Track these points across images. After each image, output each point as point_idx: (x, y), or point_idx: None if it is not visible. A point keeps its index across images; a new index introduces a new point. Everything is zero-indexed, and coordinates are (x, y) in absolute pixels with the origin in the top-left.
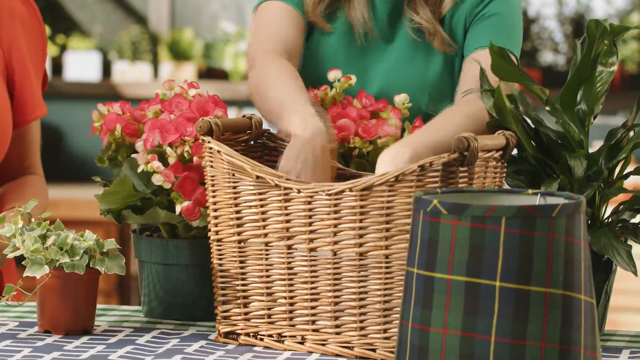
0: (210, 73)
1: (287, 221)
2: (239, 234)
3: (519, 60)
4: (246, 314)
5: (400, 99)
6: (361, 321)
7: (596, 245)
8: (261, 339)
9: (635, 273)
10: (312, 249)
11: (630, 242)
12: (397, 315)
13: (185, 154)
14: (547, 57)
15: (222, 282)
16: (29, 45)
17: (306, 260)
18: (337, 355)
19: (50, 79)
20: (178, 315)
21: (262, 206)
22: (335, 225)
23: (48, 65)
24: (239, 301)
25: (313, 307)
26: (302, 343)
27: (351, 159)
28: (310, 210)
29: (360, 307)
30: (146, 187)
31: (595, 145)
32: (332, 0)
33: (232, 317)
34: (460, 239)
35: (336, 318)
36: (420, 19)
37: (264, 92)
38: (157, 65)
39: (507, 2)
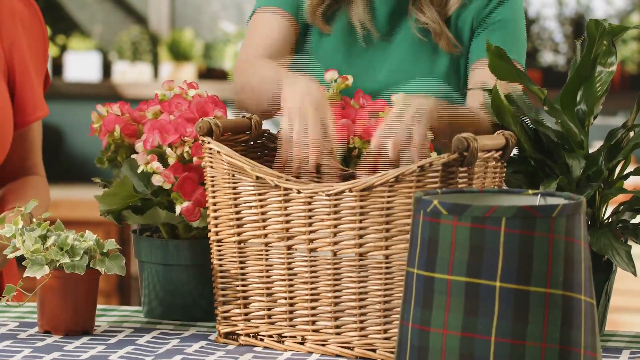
0: (211, 73)
1: (287, 221)
2: (239, 234)
3: (525, 68)
4: (246, 314)
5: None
6: (361, 321)
7: (596, 245)
8: (261, 340)
9: (634, 273)
10: (312, 250)
11: (630, 242)
12: (397, 316)
13: (185, 155)
14: (547, 57)
15: (222, 283)
16: (30, 45)
17: (306, 260)
18: (337, 355)
19: (51, 79)
20: (178, 315)
21: (262, 206)
22: (335, 226)
23: (48, 66)
24: (239, 302)
25: (313, 308)
26: (302, 343)
27: (351, 159)
28: (310, 210)
29: (361, 307)
30: (146, 188)
31: (595, 146)
32: (331, 1)
33: (232, 318)
34: (461, 240)
35: (336, 318)
36: (426, 19)
37: (251, 79)
38: (157, 65)
39: (513, 8)
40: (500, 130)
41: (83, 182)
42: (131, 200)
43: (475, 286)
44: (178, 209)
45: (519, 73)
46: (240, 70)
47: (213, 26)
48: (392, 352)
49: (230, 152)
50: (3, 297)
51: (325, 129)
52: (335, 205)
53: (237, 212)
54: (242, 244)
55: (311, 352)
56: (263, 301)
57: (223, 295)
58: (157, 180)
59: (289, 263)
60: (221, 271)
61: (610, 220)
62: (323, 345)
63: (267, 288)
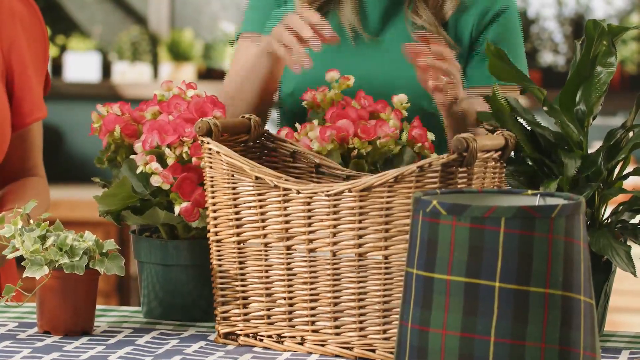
0: (210, 74)
1: (287, 222)
2: (238, 234)
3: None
4: (246, 314)
5: (399, 99)
6: (361, 322)
7: (595, 245)
8: (261, 340)
9: (634, 274)
10: (311, 250)
11: (629, 242)
12: (397, 316)
13: (184, 155)
14: (547, 57)
15: (222, 283)
16: (30, 46)
17: (305, 261)
18: (336, 356)
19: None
20: (177, 315)
21: (261, 207)
22: (335, 226)
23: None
24: (238, 302)
25: (312, 308)
26: (301, 344)
27: (350, 160)
28: (309, 211)
29: (360, 307)
30: (145, 188)
31: (594, 146)
32: (322, 3)
33: (232, 318)
34: (460, 240)
35: (336, 319)
36: (423, 22)
37: (238, 81)
38: (157, 65)
39: (511, 20)
40: (500, 131)
41: (82, 183)
42: (130, 201)
43: (474, 286)
44: (177, 209)
45: (519, 73)
46: (225, 93)
47: (213, 26)
48: (391, 353)
49: (229, 153)
50: (2, 297)
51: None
52: (335, 206)
53: (237, 213)
54: (242, 244)
55: (310, 353)
56: (262, 301)
57: (222, 296)
58: (156, 180)
59: (289, 263)
60: (220, 271)
61: (609, 220)
62: (322, 345)
63: (267, 288)
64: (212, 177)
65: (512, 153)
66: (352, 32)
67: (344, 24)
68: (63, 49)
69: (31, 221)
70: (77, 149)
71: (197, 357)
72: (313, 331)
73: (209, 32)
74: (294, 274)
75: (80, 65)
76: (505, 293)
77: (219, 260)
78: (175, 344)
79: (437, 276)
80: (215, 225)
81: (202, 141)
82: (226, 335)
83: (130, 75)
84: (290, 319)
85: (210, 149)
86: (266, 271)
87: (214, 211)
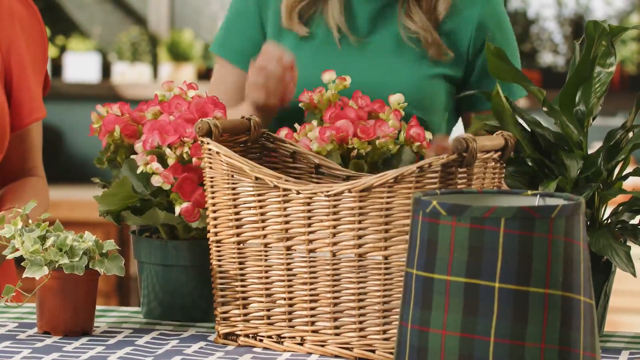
0: (210, 74)
1: (286, 222)
2: (238, 235)
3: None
4: (245, 315)
5: (396, 99)
6: (360, 322)
7: (595, 246)
8: (260, 340)
9: (634, 274)
10: (311, 250)
11: (629, 243)
12: (397, 316)
13: (185, 155)
14: (546, 58)
15: (222, 283)
16: (29, 47)
17: (305, 261)
18: (336, 356)
19: (50, 80)
20: (177, 316)
21: (261, 207)
22: (335, 227)
23: (48, 67)
24: (238, 302)
25: (312, 308)
26: (301, 344)
27: (349, 160)
28: (309, 211)
29: (360, 308)
30: (145, 188)
31: (594, 146)
32: (308, 4)
33: (232, 318)
34: (460, 240)
35: (335, 319)
36: (417, 29)
37: None
38: (156, 66)
39: (506, 34)
40: (500, 131)
41: (82, 183)
42: (130, 201)
43: (474, 287)
44: (177, 209)
45: (518, 74)
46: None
47: (212, 27)
48: (391, 353)
49: (229, 153)
50: (2, 297)
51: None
52: (335, 206)
53: (237, 213)
54: (242, 245)
55: (310, 353)
56: (262, 302)
57: (222, 296)
58: (156, 180)
59: (288, 264)
60: (220, 272)
61: (609, 221)
62: (322, 346)
63: (267, 289)
64: (212, 178)
65: (512, 154)
66: (339, 34)
67: (330, 25)
68: (63, 49)
69: (30, 221)
70: (77, 149)
71: (197, 357)
72: (313, 331)
73: (208, 32)
74: (294, 275)
75: (80, 65)
76: (505, 293)
77: (219, 260)
78: (175, 345)
79: (437, 276)
80: (215, 226)
81: (202, 141)
82: (226, 336)
83: (130, 75)
84: (290, 320)
85: (210, 150)
86: (266, 271)
87: (214, 211)
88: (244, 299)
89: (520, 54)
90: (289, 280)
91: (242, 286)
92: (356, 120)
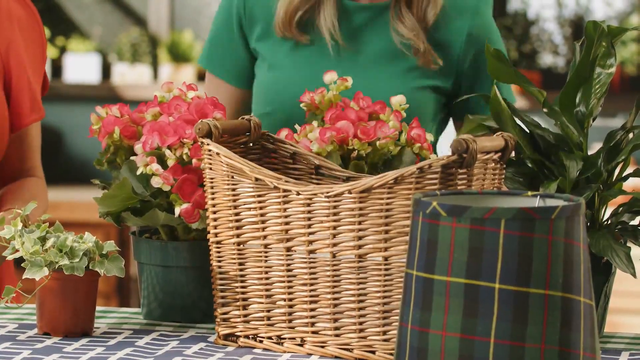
0: None
1: (286, 223)
2: (238, 236)
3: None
4: (245, 316)
5: (397, 100)
6: (360, 323)
7: (595, 247)
8: (260, 341)
9: (634, 275)
10: (311, 251)
11: (629, 244)
12: (397, 317)
13: (184, 156)
14: (546, 59)
15: (222, 284)
16: (28, 48)
17: (305, 262)
18: (336, 357)
19: (50, 81)
20: (177, 317)
21: (261, 208)
22: (335, 227)
23: (47, 67)
24: (238, 303)
25: (312, 309)
26: (301, 345)
27: (349, 161)
28: (309, 212)
29: (360, 309)
30: (145, 190)
31: (594, 147)
32: (303, 12)
33: (232, 319)
34: (460, 241)
35: (335, 320)
36: (409, 33)
37: None
38: (156, 67)
39: (499, 44)
40: (499, 132)
41: (82, 184)
42: (130, 202)
43: (474, 288)
44: (177, 210)
45: (518, 75)
46: None
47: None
48: (391, 354)
49: (229, 154)
50: (2, 298)
51: None
52: (335, 207)
53: (237, 214)
54: (242, 246)
55: (310, 354)
56: (262, 303)
57: (222, 297)
58: (156, 182)
59: (288, 265)
60: (220, 273)
61: (609, 221)
62: (322, 346)
63: (267, 290)
64: (212, 179)
65: (512, 155)
66: (332, 42)
67: (324, 33)
68: (63, 50)
69: (29, 223)
70: (77, 150)
71: (197, 358)
72: (313, 332)
73: (208, 33)
74: (294, 275)
75: (80, 66)
76: (505, 294)
77: (219, 261)
78: (175, 346)
79: (437, 277)
80: (215, 227)
81: (202, 142)
82: (226, 337)
83: (130, 76)
84: (290, 321)
85: (210, 151)
86: (266, 272)
87: (214, 212)
88: (244, 300)
89: (520, 55)
90: (289, 281)
91: (242, 287)
92: (357, 122)
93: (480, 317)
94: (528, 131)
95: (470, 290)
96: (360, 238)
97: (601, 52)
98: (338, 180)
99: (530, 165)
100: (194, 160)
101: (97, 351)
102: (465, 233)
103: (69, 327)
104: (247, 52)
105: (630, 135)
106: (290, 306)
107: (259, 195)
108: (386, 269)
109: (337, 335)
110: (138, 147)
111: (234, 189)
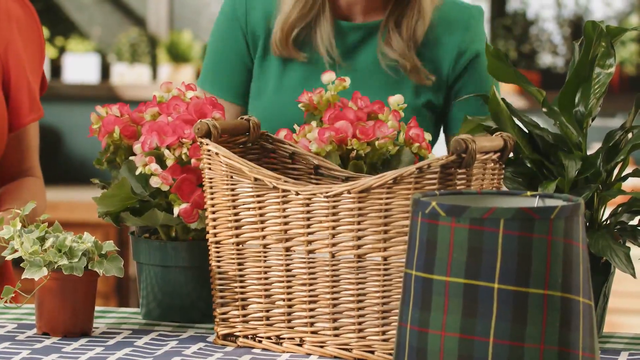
0: None
1: (286, 223)
2: (237, 236)
3: None
4: (244, 316)
5: (395, 99)
6: (360, 323)
7: (594, 247)
8: (259, 341)
9: (633, 275)
10: (310, 251)
11: (628, 244)
12: (396, 317)
13: (183, 156)
14: (545, 59)
15: (221, 284)
16: (26, 47)
17: (304, 262)
18: (335, 357)
19: (49, 81)
20: (176, 317)
21: (260, 208)
22: (334, 227)
23: (47, 67)
24: (237, 303)
25: (311, 309)
26: (300, 345)
27: (349, 161)
28: (308, 212)
29: (359, 309)
30: (144, 190)
31: (593, 147)
32: (300, 29)
33: (231, 319)
34: (459, 241)
35: (335, 320)
36: (396, 56)
37: None
38: (156, 67)
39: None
40: (499, 132)
41: (81, 184)
42: (129, 202)
43: (473, 288)
44: (176, 210)
45: (518, 75)
46: None
47: (211, 28)
48: (390, 354)
49: (228, 154)
50: (1, 298)
51: None
52: (334, 207)
53: (236, 214)
54: (241, 246)
55: (309, 354)
56: (261, 303)
57: (221, 297)
58: (155, 182)
59: (288, 265)
60: (219, 273)
61: (608, 222)
62: (321, 346)
63: (266, 290)
64: (211, 179)
65: (511, 155)
66: (329, 59)
67: (320, 51)
68: (62, 50)
69: (27, 223)
70: (76, 150)
71: (196, 358)
72: (312, 332)
73: (208, 33)
74: (293, 275)
75: (79, 66)
76: (504, 294)
77: (218, 261)
78: (174, 346)
79: (436, 277)
80: (214, 227)
81: (201, 142)
82: (225, 337)
83: (129, 76)
84: (289, 320)
85: (209, 150)
86: (265, 272)
87: (213, 212)
88: (243, 299)
89: (520, 55)
90: (288, 281)
91: (241, 287)
92: (355, 122)
93: (479, 317)
94: (527, 131)
95: (470, 290)
96: (359, 238)
97: (600, 52)
98: (337, 180)
99: (529, 165)
100: (193, 160)
101: (96, 351)
102: (464, 233)
103: (68, 327)
104: (251, 65)
105: (630, 135)
106: (290, 306)
107: (258, 195)
108: (385, 269)
109: (336, 335)
110: (137, 147)
111: (233, 189)
